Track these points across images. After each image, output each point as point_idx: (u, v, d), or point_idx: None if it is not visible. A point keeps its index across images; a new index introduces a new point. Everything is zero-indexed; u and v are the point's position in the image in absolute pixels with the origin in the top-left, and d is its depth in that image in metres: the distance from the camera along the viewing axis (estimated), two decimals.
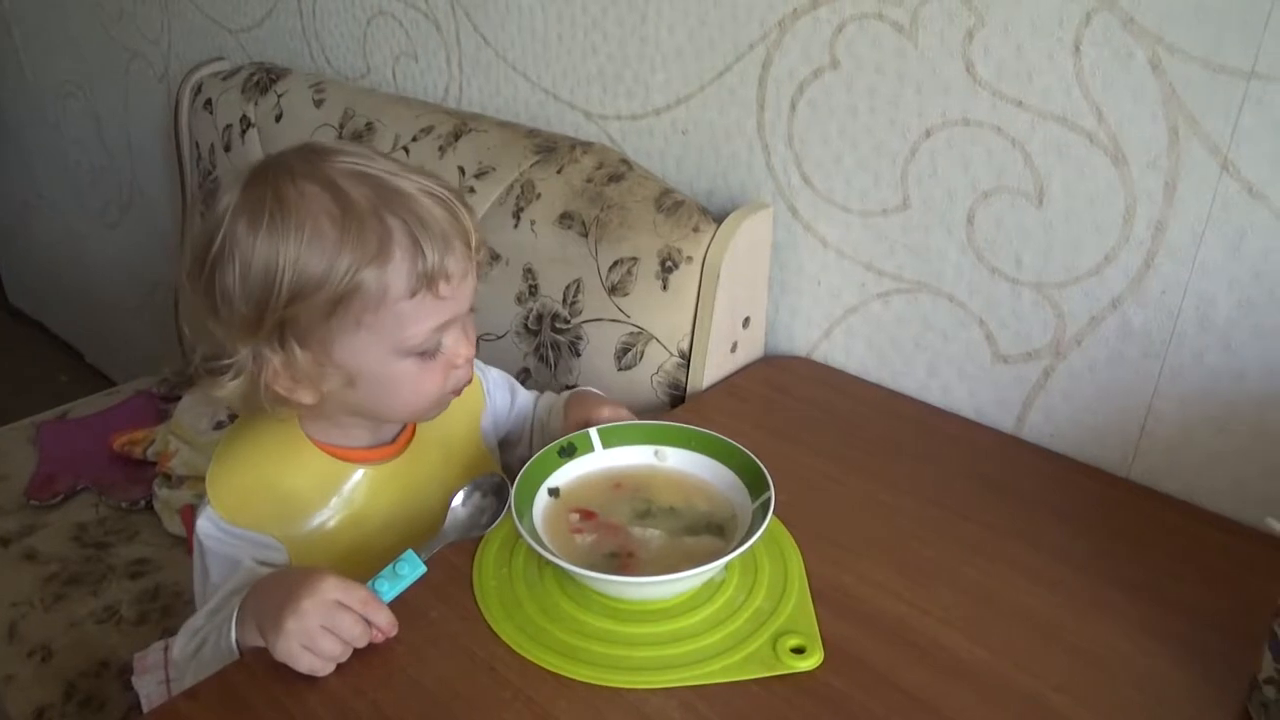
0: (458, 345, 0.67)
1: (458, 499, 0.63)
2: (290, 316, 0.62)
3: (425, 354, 0.66)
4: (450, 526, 0.62)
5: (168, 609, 1.01)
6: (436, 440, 0.75)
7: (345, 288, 0.61)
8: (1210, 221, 0.68)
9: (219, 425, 1.18)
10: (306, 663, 0.56)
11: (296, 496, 0.70)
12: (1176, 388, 0.74)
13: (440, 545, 0.61)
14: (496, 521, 0.61)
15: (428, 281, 0.62)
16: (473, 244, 0.66)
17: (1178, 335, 0.73)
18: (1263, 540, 0.70)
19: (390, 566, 0.61)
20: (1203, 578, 0.67)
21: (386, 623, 0.58)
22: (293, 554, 0.70)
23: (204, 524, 0.68)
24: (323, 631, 0.56)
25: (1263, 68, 0.63)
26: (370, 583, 0.60)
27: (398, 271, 0.62)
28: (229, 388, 0.64)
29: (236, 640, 0.60)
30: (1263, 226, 0.67)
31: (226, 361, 0.63)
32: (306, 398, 0.65)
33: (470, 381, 0.71)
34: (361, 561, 0.70)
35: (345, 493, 0.71)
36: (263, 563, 0.69)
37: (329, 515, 0.70)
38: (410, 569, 0.61)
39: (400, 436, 0.74)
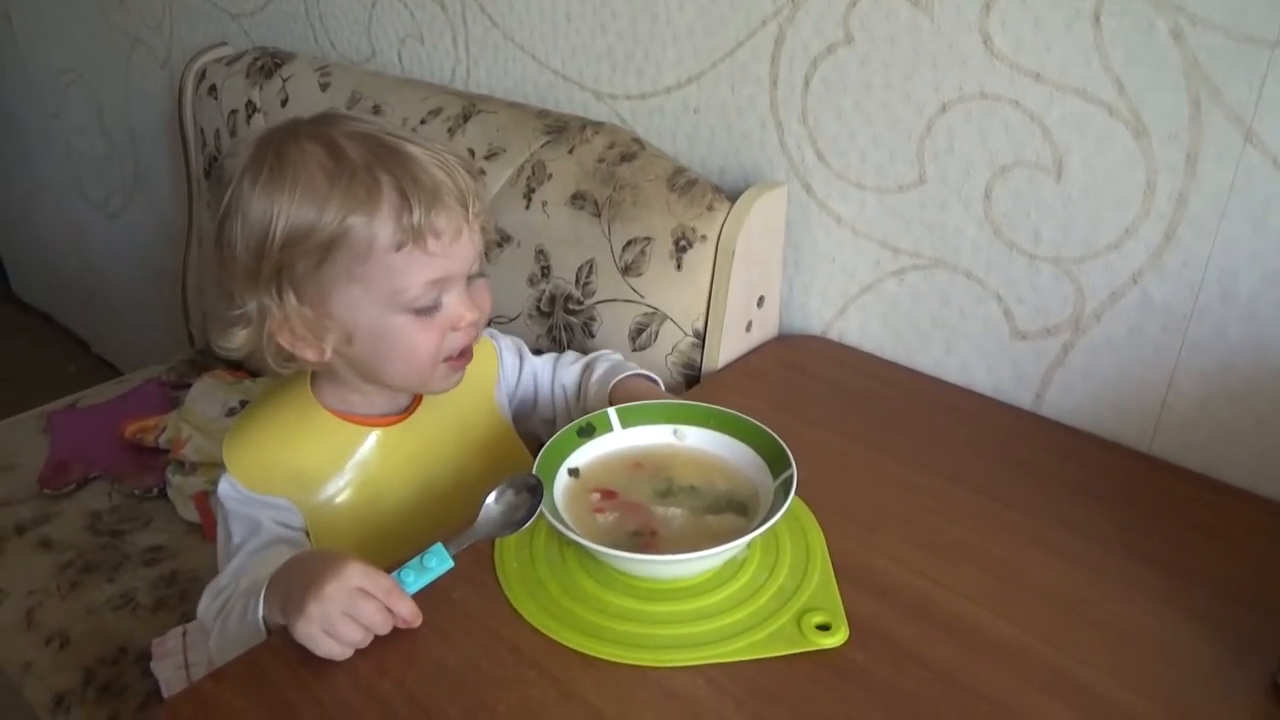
0: (459, 307, 0.68)
1: (491, 496, 0.62)
2: (285, 264, 0.65)
3: (422, 311, 0.67)
4: (483, 523, 0.61)
5: (184, 595, 1.01)
6: (448, 404, 0.76)
7: (333, 233, 0.63)
8: (1233, 193, 0.68)
9: (230, 412, 1.18)
10: (325, 647, 0.56)
11: (311, 462, 0.72)
12: (1198, 362, 0.73)
13: (470, 540, 0.61)
14: (530, 520, 0.60)
15: (414, 235, 0.64)
16: (470, 206, 0.67)
17: (1199, 309, 0.72)
18: None
19: (418, 558, 0.60)
20: (1226, 551, 0.66)
21: (409, 613, 0.58)
22: (309, 519, 0.71)
23: (224, 487, 0.71)
24: (344, 617, 0.56)
25: None
26: (396, 572, 0.59)
27: (384, 223, 0.64)
28: (240, 337, 0.67)
29: (264, 617, 0.60)
30: None
31: (236, 312, 0.67)
32: (310, 354, 0.68)
33: (469, 350, 0.72)
34: (377, 527, 0.72)
35: (359, 457, 0.73)
36: (282, 524, 0.70)
37: (344, 480, 0.72)
38: (438, 562, 0.60)
39: (411, 406, 0.76)
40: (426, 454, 0.75)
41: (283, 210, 0.63)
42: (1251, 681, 0.56)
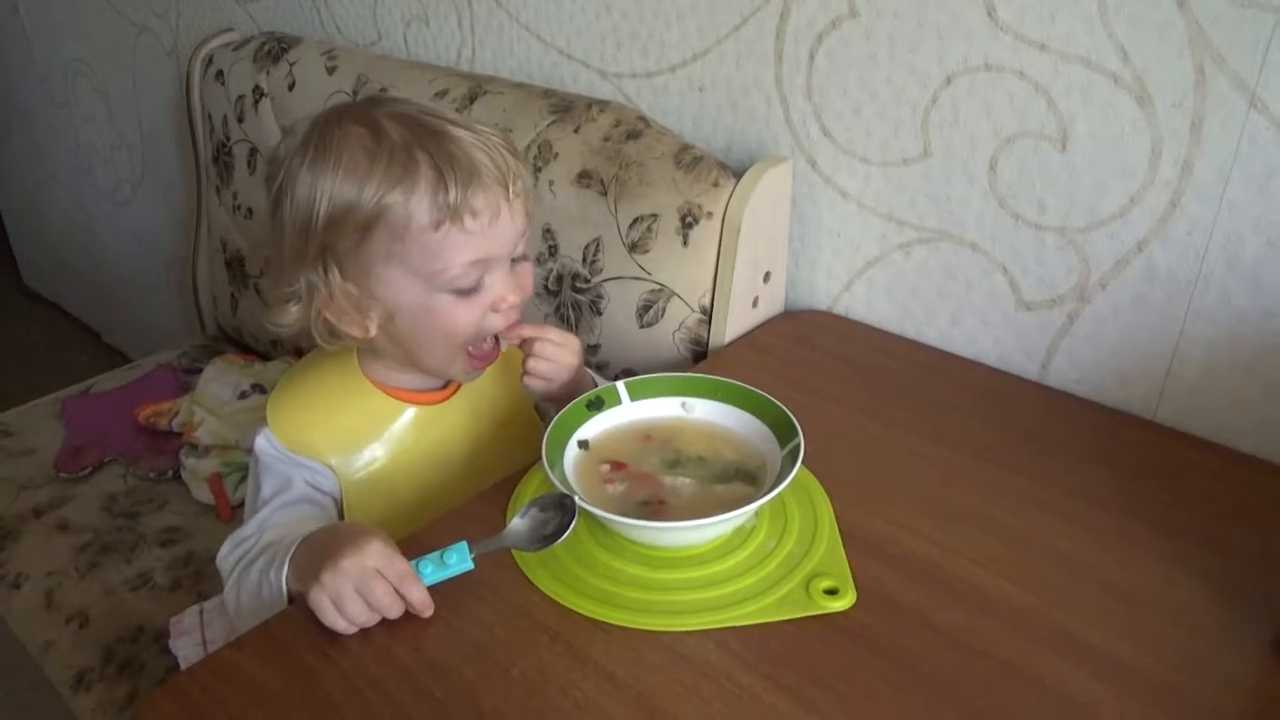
0: (502, 288, 0.69)
1: (518, 515, 0.62)
2: (329, 243, 0.66)
3: (463, 292, 0.68)
4: (509, 534, 0.61)
5: (199, 574, 1.02)
6: (485, 392, 0.77)
7: (372, 212, 0.65)
8: (1238, 159, 0.68)
9: (242, 395, 1.19)
10: (330, 619, 0.57)
11: (351, 428, 0.74)
12: (1203, 329, 0.74)
13: (494, 548, 0.61)
14: (561, 538, 0.59)
15: (451, 214, 0.65)
16: (510, 185, 0.67)
17: (1204, 277, 0.72)
18: None
19: (439, 553, 0.60)
20: (1231, 514, 0.67)
21: (419, 601, 0.58)
22: (343, 483, 0.73)
23: (262, 443, 0.73)
24: (354, 594, 0.57)
25: None
26: (416, 561, 0.59)
27: (420, 201, 0.65)
28: (291, 314, 0.69)
29: (287, 578, 0.61)
30: None
31: (288, 290, 0.69)
32: (355, 330, 0.69)
33: (495, 351, 0.73)
34: (405, 502, 0.74)
35: (395, 430, 0.74)
36: (312, 485, 0.72)
37: (379, 450, 0.74)
38: (459, 561, 0.59)
39: (451, 387, 0.77)
40: (459, 436, 0.77)
41: (326, 189, 0.65)
42: (1258, 640, 0.57)
